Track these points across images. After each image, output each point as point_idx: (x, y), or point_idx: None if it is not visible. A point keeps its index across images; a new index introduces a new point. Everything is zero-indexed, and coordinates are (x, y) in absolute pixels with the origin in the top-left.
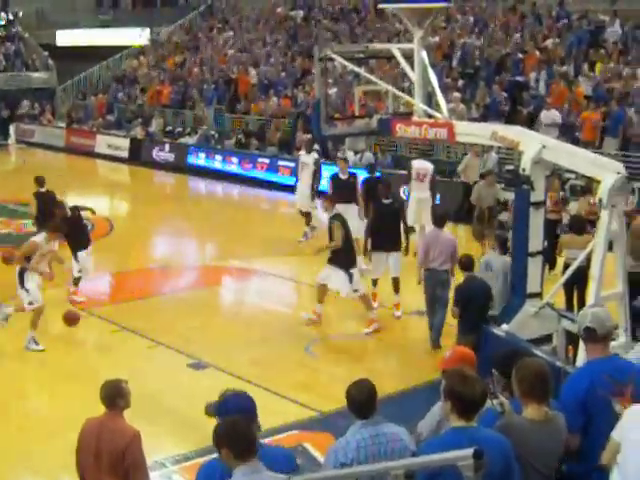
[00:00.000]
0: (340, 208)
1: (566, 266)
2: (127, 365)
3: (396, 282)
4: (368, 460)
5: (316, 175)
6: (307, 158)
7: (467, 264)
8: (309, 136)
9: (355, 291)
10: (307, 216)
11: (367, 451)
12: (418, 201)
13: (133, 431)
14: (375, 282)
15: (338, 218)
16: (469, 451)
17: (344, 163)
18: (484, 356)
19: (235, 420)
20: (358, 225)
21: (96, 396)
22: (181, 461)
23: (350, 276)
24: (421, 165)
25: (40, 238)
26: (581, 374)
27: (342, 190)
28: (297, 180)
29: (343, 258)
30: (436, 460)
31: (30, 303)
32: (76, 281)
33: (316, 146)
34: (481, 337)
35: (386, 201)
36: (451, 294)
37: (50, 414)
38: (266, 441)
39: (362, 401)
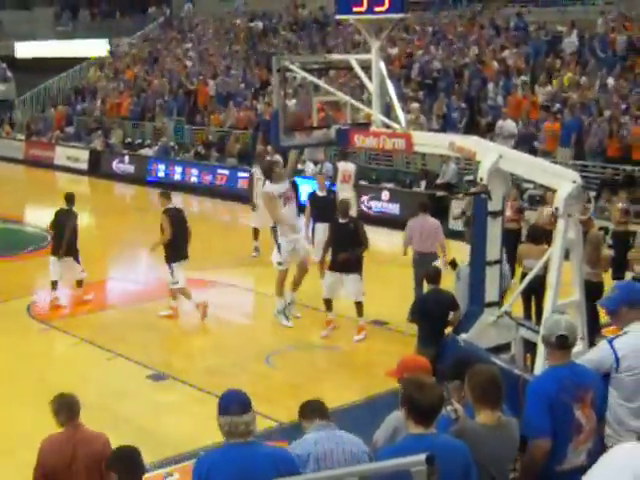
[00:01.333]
0: (320, 227)
1: (523, 275)
2: (87, 376)
3: (359, 306)
4: (326, 454)
5: None
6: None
7: (432, 276)
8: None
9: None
10: (256, 232)
11: (324, 446)
12: None
13: (103, 434)
14: (329, 304)
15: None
16: (421, 457)
17: (322, 180)
18: (442, 367)
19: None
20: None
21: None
22: None
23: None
24: (345, 167)
25: None
26: (547, 378)
27: (321, 208)
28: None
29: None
30: (389, 466)
31: None
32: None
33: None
34: (440, 348)
35: (342, 220)
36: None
37: (3, 430)
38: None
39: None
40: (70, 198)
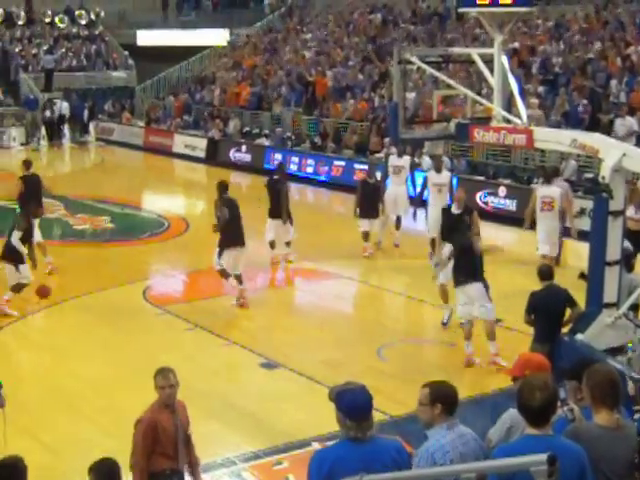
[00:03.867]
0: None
1: None
2: (199, 363)
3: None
4: (459, 461)
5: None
6: (401, 161)
7: (544, 273)
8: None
9: None
10: (398, 219)
11: (457, 452)
12: (395, 194)
13: (139, 417)
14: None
15: None
16: (542, 456)
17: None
18: (559, 365)
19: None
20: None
21: None
22: (250, 459)
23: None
24: (397, 162)
25: None
26: None
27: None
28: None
29: None
30: (509, 464)
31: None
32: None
33: (393, 149)
34: (556, 346)
35: (456, 211)
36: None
37: (116, 415)
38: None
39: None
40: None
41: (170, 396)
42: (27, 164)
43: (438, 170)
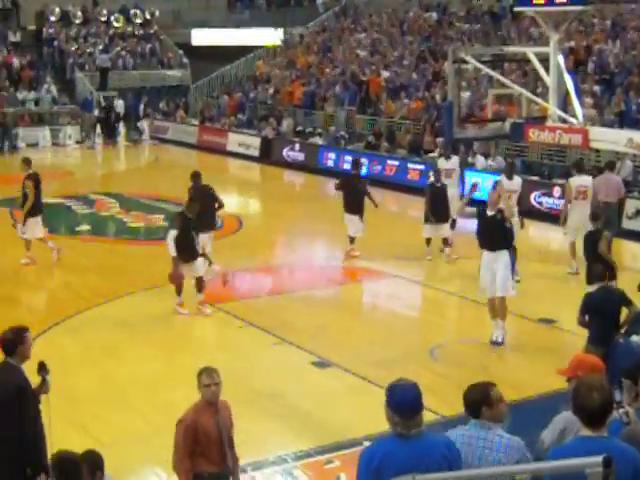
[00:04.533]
0: None
1: None
2: (252, 361)
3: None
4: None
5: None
6: (449, 164)
7: (599, 274)
8: (440, 140)
9: None
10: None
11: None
12: (450, 196)
13: (180, 417)
14: None
15: None
16: (598, 458)
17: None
18: (614, 367)
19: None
20: None
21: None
22: (302, 457)
23: None
24: (446, 165)
25: None
26: None
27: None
28: None
29: None
30: (564, 466)
31: None
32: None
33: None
34: (611, 348)
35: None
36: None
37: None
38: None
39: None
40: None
41: (214, 394)
42: (27, 162)
43: (509, 176)
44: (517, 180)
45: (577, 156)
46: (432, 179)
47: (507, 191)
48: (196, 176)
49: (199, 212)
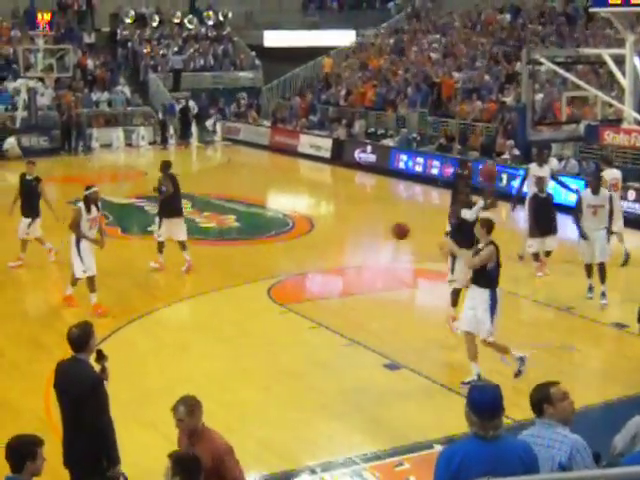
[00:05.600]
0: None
1: None
2: (324, 362)
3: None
4: None
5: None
6: (542, 171)
7: None
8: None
9: None
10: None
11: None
12: None
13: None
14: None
15: None
16: None
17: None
18: None
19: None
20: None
21: (290, 387)
22: (372, 459)
23: None
24: (541, 173)
25: (80, 205)
26: None
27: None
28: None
29: None
30: (638, 473)
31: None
32: None
33: (516, 151)
34: None
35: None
36: None
37: (236, 410)
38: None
39: None
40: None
41: (182, 430)
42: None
43: (595, 191)
44: (604, 193)
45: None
46: (536, 189)
47: (592, 206)
48: (167, 165)
49: (170, 199)
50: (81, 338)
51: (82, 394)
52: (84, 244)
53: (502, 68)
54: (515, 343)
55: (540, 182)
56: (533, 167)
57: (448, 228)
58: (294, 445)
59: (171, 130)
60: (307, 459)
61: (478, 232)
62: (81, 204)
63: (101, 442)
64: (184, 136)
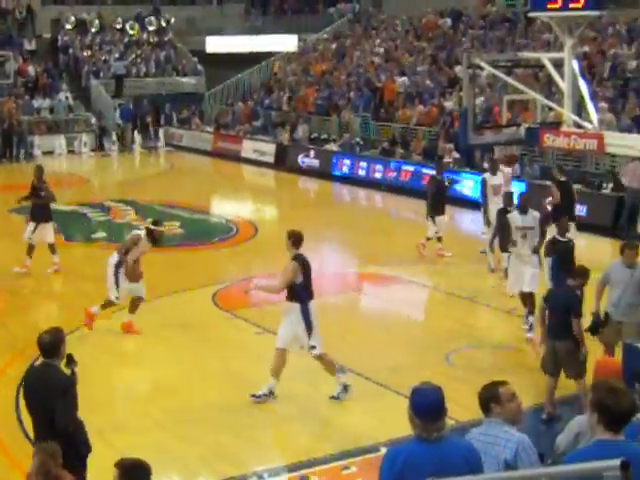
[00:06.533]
0: None
1: None
2: (268, 367)
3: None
4: None
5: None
6: (496, 179)
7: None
8: (493, 156)
9: None
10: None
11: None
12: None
13: None
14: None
15: None
16: (616, 462)
17: None
18: (629, 371)
19: None
20: None
21: (238, 393)
22: (319, 463)
23: None
24: (495, 181)
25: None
26: None
27: None
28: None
29: None
30: (581, 469)
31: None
32: None
33: (456, 154)
34: (624, 353)
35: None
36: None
37: (185, 417)
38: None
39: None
40: None
41: None
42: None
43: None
44: (533, 215)
45: (593, 161)
46: (495, 199)
47: (520, 228)
48: (40, 170)
49: (45, 204)
50: (52, 344)
51: (53, 398)
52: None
53: (444, 72)
54: (458, 344)
55: (497, 190)
56: (488, 177)
57: (430, 234)
58: (243, 450)
59: (114, 136)
60: (256, 464)
61: (285, 243)
62: (144, 234)
63: (72, 444)
64: (125, 142)
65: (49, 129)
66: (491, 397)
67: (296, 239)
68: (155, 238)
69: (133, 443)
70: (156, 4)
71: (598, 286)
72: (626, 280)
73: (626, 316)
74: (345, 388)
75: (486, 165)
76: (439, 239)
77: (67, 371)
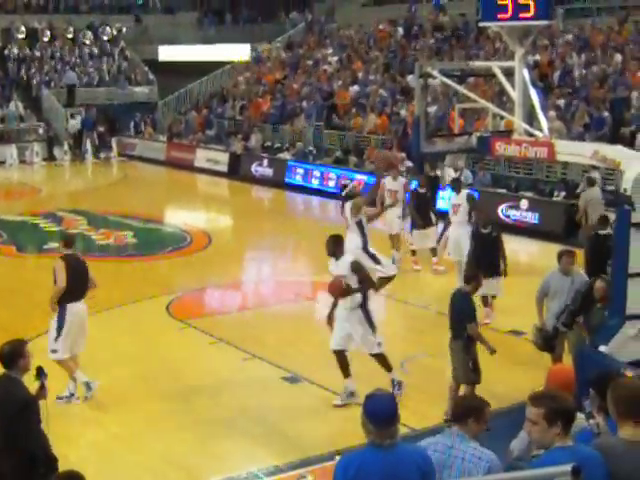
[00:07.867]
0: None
1: None
2: (223, 376)
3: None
4: None
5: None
6: (459, 199)
7: None
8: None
9: None
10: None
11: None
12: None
13: None
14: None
15: None
16: (567, 467)
17: None
18: (582, 377)
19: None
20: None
21: (192, 403)
22: (274, 473)
23: None
24: (455, 200)
25: None
26: None
27: None
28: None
29: None
30: (533, 475)
31: None
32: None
33: (408, 163)
34: (578, 358)
35: (484, 230)
36: None
37: (137, 428)
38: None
39: None
40: None
41: None
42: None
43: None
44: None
45: (544, 169)
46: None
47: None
48: None
49: None
50: (10, 355)
51: (12, 413)
52: None
53: (396, 81)
54: (412, 352)
55: (456, 209)
56: (451, 197)
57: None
58: (197, 460)
59: (65, 146)
60: (210, 474)
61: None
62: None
63: (33, 461)
64: (77, 152)
65: (0, 139)
66: (475, 412)
67: (66, 241)
68: (69, 263)
69: (84, 453)
70: (108, 13)
71: (538, 299)
72: (566, 288)
73: None
74: (89, 386)
75: (439, 173)
76: (413, 252)
77: (36, 384)
